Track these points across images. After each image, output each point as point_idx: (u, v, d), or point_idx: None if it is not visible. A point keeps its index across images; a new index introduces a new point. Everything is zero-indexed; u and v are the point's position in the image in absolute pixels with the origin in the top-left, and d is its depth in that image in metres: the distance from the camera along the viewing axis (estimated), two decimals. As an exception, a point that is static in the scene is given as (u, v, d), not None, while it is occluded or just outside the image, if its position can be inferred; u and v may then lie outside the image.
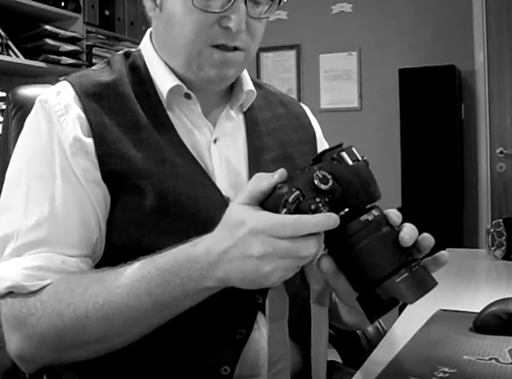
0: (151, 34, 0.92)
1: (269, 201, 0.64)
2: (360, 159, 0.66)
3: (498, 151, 3.34)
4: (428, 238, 0.66)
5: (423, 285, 0.63)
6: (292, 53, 3.76)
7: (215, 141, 0.88)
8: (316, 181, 0.62)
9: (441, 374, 0.69)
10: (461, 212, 3.30)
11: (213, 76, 0.84)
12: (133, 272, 0.70)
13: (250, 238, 0.61)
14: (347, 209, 0.63)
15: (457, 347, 0.79)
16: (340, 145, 0.67)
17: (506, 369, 0.71)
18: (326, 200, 0.62)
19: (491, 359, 0.74)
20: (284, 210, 0.61)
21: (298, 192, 0.62)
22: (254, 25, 0.84)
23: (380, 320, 1.16)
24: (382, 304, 0.62)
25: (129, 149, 0.80)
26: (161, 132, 0.83)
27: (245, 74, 0.94)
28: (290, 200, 0.62)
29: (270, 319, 0.68)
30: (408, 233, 0.64)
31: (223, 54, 0.82)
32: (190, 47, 0.82)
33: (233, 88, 0.94)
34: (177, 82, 0.86)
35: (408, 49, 3.46)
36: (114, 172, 0.78)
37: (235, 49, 0.83)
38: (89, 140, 0.79)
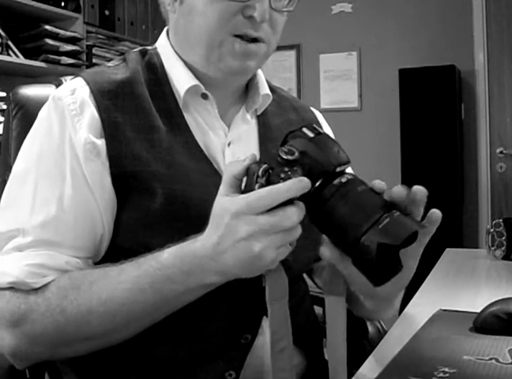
0: (167, 32, 0.92)
1: (245, 185, 0.67)
2: (322, 132, 0.69)
3: (498, 151, 3.34)
4: (420, 189, 0.66)
5: (408, 226, 0.62)
6: (292, 53, 3.76)
7: (229, 144, 0.88)
8: (282, 154, 0.65)
9: (441, 374, 0.69)
10: (461, 212, 3.30)
11: (234, 68, 0.83)
12: (135, 268, 0.71)
13: (234, 221, 0.64)
14: (320, 180, 0.65)
15: (457, 347, 0.79)
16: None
17: (506, 369, 0.71)
18: (295, 169, 0.65)
19: (491, 359, 0.74)
20: (257, 185, 0.65)
21: (266, 165, 0.65)
22: (276, 18, 0.84)
23: (380, 320, 1.16)
24: (374, 260, 0.60)
25: (142, 150, 0.79)
26: (176, 132, 0.83)
27: (261, 77, 0.94)
28: (260, 173, 0.65)
29: (270, 299, 0.68)
30: (383, 184, 0.66)
31: (245, 45, 0.82)
32: (212, 37, 0.81)
33: (249, 90, 0.93)
34: (195, 82, 0.85)
35: (408, 49, 3.46)
36: (125, 173, 0.78)
37: (257, 40, 0.83)
38: (102, 141, 0.78)
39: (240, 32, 0.81)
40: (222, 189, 0.67)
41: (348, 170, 0.69)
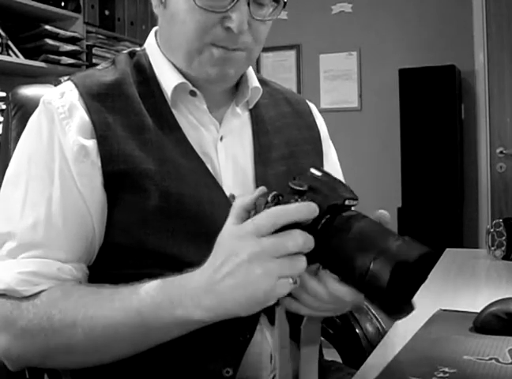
0: (156, 32, 0.93)
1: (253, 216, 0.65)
2: (330, 173, 0.68)
3: (498, 151, 3.34)
4: (383, 214, 0.66)
5: (420, 245, 0.60)
6: (292, 53, 3.76)
7: (221, 139, 0.88)
8: (292, 185, 0.64)
9: (441, 374, 0.69)
10: (461, 212, 3.30)
11: (213, 75, 0.84)
12: (128, 290, 0.70)
13: (238, 243, 0.62)
14: (327, 216, 0.63)
15: (457, 347, 0.79)
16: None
17: (506, 369, 0.71)
18: (305, 198, 0.64)
19: (491, 359, 0.74)
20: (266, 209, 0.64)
21: (275, 192, 0.65)
22: (257, 27, 0.84)
23: (380, 320, 1.16)
24: (386, 286, 0.58)
25: (133, 149, 0.80)
26: (166, 131, 0.83)
27: (250, 71, 0.94)
28: (269, 199, 0.64)
29: (280, 347, 0.67)
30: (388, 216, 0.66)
31: (224, 52, 0.82)
32: (191, 45, 0.82)
33: (239, 84, 0.93)
34: (182, 80, 0.86)
35: (408, 49, 3.46)
36: (118, 172, 0.78)
37: (236, 49, 0.83)
38: (92, 142, 0.79)
39: (219, 44, 0.81)
40: (229, 220, 0.66)
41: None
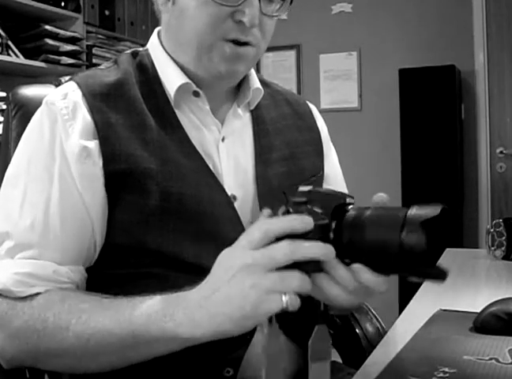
0: (159, 32, 0.92)
1: None
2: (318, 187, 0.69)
3: (498, 151, 3.34)
4: (381, 196, 0.66)
5: (433, 205, 0.60)
6: (292, 53, 3.76)
7: (223, 140, 0.88)
8: (295, 199, 0.65)
9: (441, 374, 0.69)
10: (461, 212, 3.30)
11: (223, 71, 0.84)
12: (126, 300, 0.70)
13: (232, 256, 0.63)
14: (335, 221, 0.63)
15: (457, 347, 0.79)
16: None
17: (506, 369, 0.71)
18: (309, 207, 0.64)
19: (491, 359, 0.74)
20: None
21: (284, 207, 0.65)
22: (266, 22, 0.84)
23: (380, 320, 1.16)
24: (425, 245, 0.57)
25: (136, 149, 0.80)
26: (168, 131, 0.83)
27: (252, 72, 0.94)
28: (279, 214, 0.65)
29: (269, 364, 0.65)
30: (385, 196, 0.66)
31: (234, 48, 0.82)
32: (202, 41, 0.82)
33: (240, 85, 0.93)
34: (185, 80, 0.86)
35: (408, 49, 3.46)
36: (119, 172, 0.78)
37: (246, 44, 0.83)
38: (94, 142, 0.79)
39: (230, 37, 0.81)
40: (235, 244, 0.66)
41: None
